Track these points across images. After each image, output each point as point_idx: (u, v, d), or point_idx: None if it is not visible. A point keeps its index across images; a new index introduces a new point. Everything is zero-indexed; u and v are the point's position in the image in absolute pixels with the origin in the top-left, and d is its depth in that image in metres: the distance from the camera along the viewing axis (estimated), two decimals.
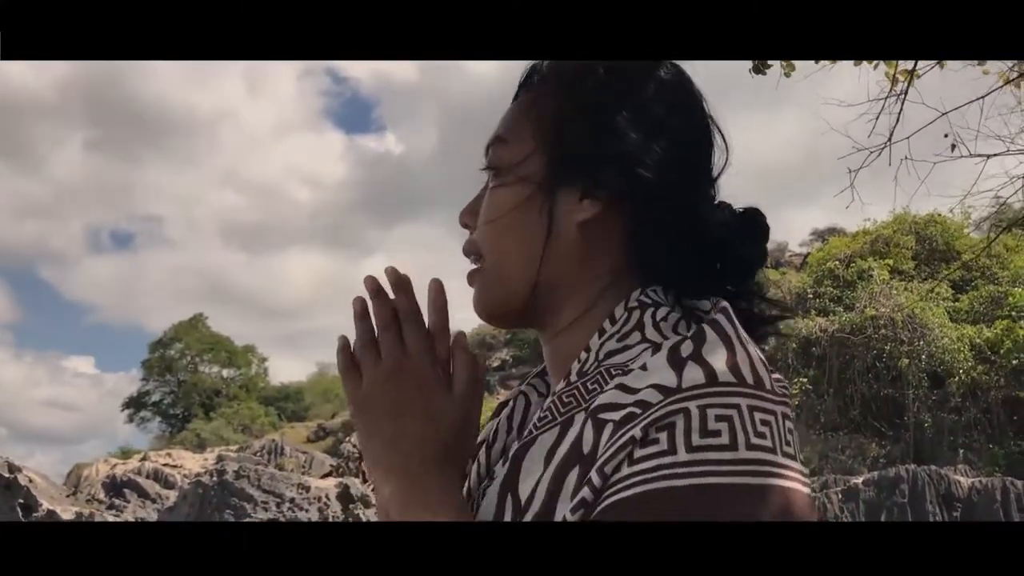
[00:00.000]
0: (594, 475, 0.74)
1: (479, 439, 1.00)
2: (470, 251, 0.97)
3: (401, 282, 0.91)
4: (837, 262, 20.66)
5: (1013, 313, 17.55)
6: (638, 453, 0.72)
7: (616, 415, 0.76)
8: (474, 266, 0.97)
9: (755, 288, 0.94)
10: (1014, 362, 16.87)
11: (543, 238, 0.91)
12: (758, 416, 0.73)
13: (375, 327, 0.89)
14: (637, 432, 0.73)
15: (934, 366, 17.48)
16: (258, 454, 26.18)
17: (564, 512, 0.75)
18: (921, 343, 17.58)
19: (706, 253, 0.91)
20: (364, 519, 16.80)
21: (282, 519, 16.90)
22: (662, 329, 0.87)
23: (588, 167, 0.90)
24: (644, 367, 0.78)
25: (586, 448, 0.77)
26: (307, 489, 18.04)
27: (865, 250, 20.79)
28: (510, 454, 0.85)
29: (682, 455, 0.71)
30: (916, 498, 13.69)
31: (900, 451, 17.08)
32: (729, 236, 0.91)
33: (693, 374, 0.74)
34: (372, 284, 0.90)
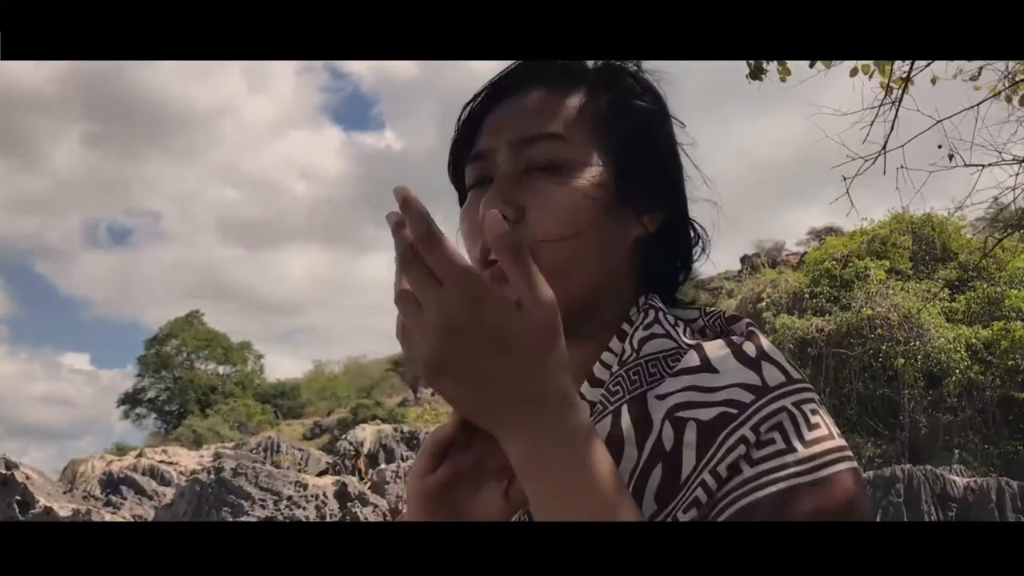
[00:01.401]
0: (707, 477, 0.76)
1: None
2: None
3: (406, 201, 0.71)
4: (834, 262, 20.66)
5: (1011, 314, 17.57)
6: (757, 454, 0.76)
7: (700, 414, 0.79)
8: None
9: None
10: (1010, 363, 16.89)
11: (609, 244, 0.93)
12: (822, 408, 0.81)
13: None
14: (747, 433, 0.76)
15: (930, 366, 17.50)
16: (254, 451, 26.19)
17: (651, 509, 0.78)
18: (917, 343, 17.60)
19: (683, 272, 1.01)
20: (361, 517, 16.79)
21: (280, 517, 16.90)
22: (678, 331, 0.91)
23: (649, 185, 0.95)
24: (714, 369, 0.82)
25: (668, 446, 0.79)
26: (305, 487, 18.03)
27: (862, 250, 20.79)
28: None
29: (801, 451, 0.75)
30: (912, 498, 13.71)
31: (896, 451, 17.10)
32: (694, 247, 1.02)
33: (773, 373, 0.81)
34: (392, 219, 0.72)
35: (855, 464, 0.78)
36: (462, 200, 1.03)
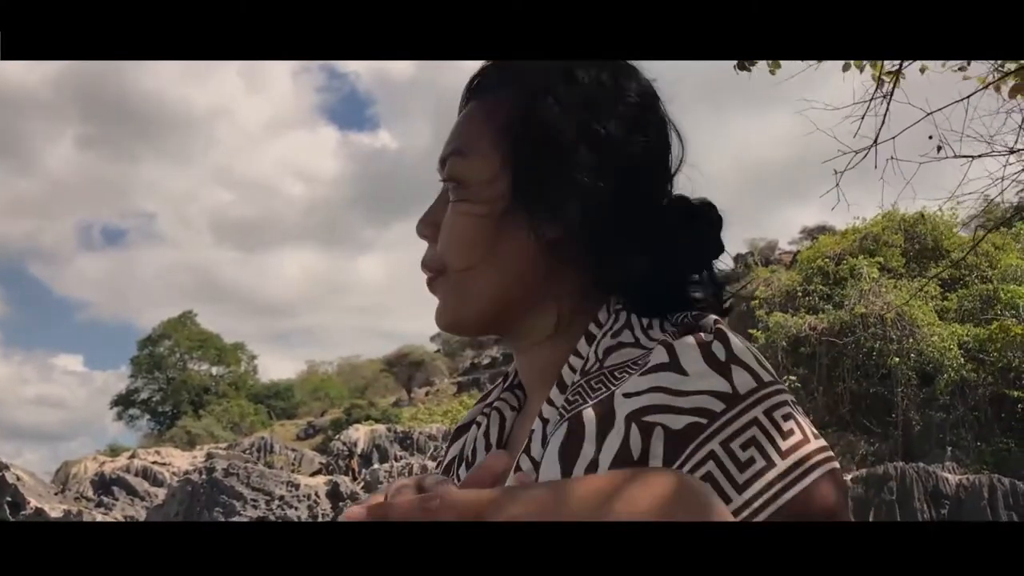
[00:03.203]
0: None
1: (450, 457, 1.02)
2: (432, 264, 0.96)
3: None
4: (827, 260, 20.73)
5: (1007, 312, 17.62)
6: (741, 477, 0.73)
7: (668, 421, 0.76)
8: (431, 276, 0.97)
9: (714, 284, 0.95)
10: (1002, 361, 16.96)
11: (510, 255, 0.92)
12: (796, 408, 0.79)
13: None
14: (716, 448, 0.74)
15: (923, 364, 17.56)
16: (247, 451, 26.17)
17: None
18: (910, 341, 17.66)
19: (668, 257, 0.93)
20: None
21: (272, 517, 16.89)
22: (650, 335, 0.88)
23: (553, 189, 0.90)
24: (683, 370, 0.78)
25: (635, 453, 0.76)
26: (297, 487, 18.02)
27: (854, 248, 20.86)
28: (538, 461, 0.84)
29: (780, 464, 0.74)
30: (904, 495, 13.77)
31: (889, 449, 17.17)
32: (684, 235, 0.94)
33: (743, 378, 0.78)
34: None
35: (835, 464, 0.77)
36: None
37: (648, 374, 0.80)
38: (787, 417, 0.76)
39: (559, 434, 0.82)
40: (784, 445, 0.75)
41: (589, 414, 0.81)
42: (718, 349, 0.79)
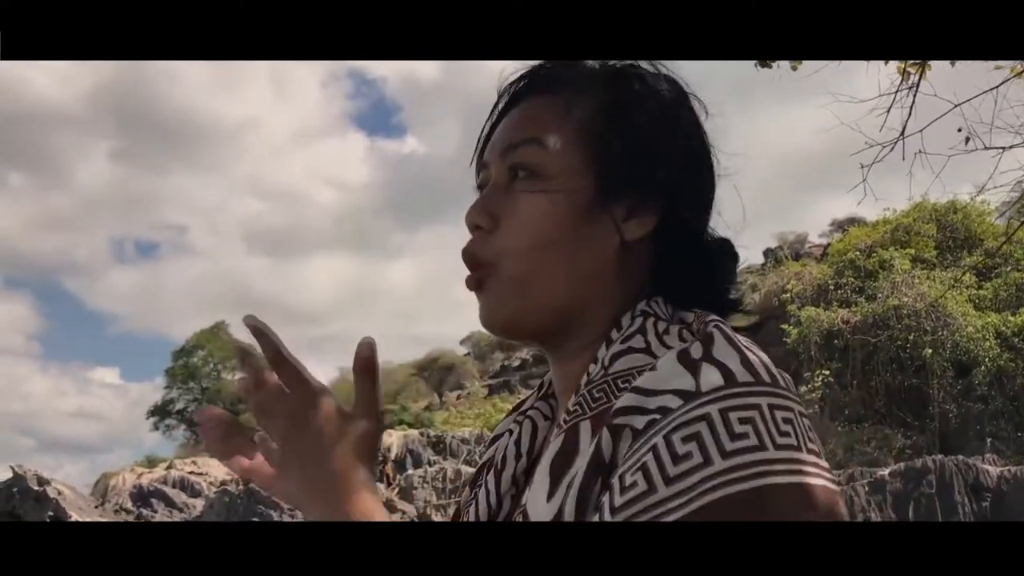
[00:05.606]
0: (614, 481, 0.71)
1: (482, 462, 1.01)
2: (487, 255, 0.91)
3: (257, 330, 0.99)
4: (858, 252, 20.51)
5: None
6: (674, 470, 0.69)
7: (634, 420, 0.73)
8: (476, 271, 0.91)
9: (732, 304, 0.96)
10: None
11: (587, 252, 0.89)
12: (779, 414, 0.72)
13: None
14: (659, 440, 0.71)
15: (959, 355, 17.33)
16: None
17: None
18: (945, 332, 17.44)
19: (710, 276, 0.95)
20: None
21: None
22: (664, 340, 0.85)
23: (639, 188, 0.90)
24: (654, 368, 0.76)
25: (607, 456, 0.74)
26: None
27: (886, 239, 20.62)
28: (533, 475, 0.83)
29: (718, 464, 0.68)
30: (944, 488, 13.58)
31: (926, 441, 16.95)
32: (723, 260, 0.96)
33: (710, 376, 0.73)
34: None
35: (800, 479, 0.69)
36: None
37: (635, 379, 0.77)
38: (747, 420, 0.70)
39: (554, 447, 0.80)
40: (730, 446, 0.69)
41: (585, 426, 0.79)
42: (696, 349, 0.76)
